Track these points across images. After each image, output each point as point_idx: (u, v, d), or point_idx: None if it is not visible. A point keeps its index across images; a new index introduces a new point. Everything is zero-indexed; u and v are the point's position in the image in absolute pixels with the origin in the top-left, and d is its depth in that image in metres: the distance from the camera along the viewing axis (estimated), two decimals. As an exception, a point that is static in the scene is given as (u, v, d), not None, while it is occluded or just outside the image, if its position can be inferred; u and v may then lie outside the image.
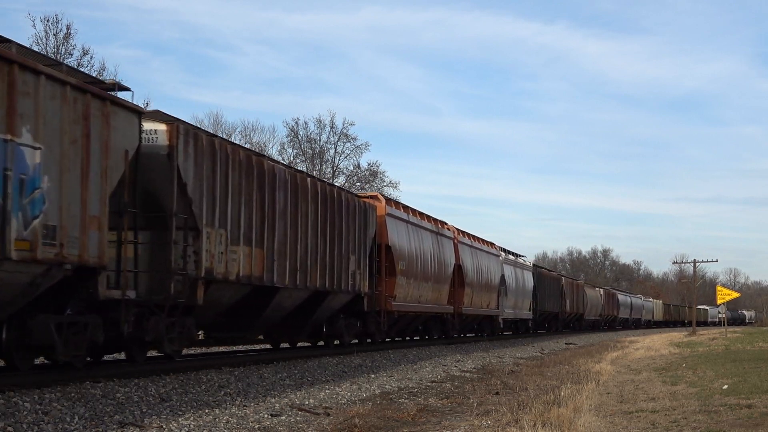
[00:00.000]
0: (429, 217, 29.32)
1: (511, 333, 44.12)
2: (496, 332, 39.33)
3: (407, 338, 30.79)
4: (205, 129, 21.88)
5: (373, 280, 22.69)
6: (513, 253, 44.42)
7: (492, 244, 38.95)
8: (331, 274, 19.50)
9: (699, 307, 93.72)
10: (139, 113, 12.85)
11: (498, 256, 38.84)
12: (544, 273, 51.90)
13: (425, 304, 27.22)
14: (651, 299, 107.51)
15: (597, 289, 72.82)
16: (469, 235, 34.86)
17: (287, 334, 20.72)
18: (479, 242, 36.23)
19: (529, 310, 45.02)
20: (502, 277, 38.76)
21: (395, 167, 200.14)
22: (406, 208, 27.07)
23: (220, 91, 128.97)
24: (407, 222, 25.87)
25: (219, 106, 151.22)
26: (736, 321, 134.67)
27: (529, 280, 45.11)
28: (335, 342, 22.07)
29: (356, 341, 23.49)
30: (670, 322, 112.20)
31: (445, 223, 31.78)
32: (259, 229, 16.06)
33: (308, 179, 18.75)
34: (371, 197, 23.96)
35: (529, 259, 48.29)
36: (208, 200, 14.31)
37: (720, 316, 62.62)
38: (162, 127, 13.62)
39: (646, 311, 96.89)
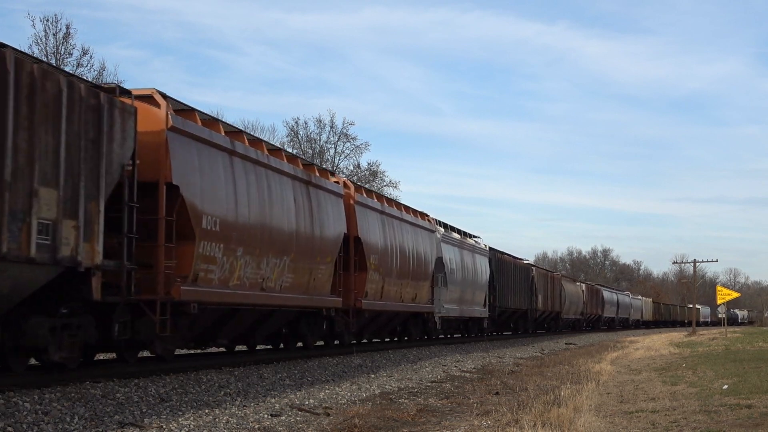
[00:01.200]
0: (296, 158, 19.51)
1: (460, 336, 34.95)
2: (430, 335, 29.58)
3: (267, 348, 20.42)
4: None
5: (129, 247, 12.33)
6: (459, 231, 33.83)
7: (424, 215, 28.37)
8: None
9: (691, 306, 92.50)
10: None
11: (433, 231, 28.60)
12: (506, 259, 41.43)
13: (278, 293, 17.10)
14: (640, 297, 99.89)
15: (578, 283, 64.75)
16: (379, 196, 24.89)
17: None
18: (399, 209, 25.74)
19: (484, 305, 35.62)
20: (440, 260, 28.99)
21: (396, 167, 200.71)
22: (238, 133, 16.37)
23: (222, 91, 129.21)
24: (231, 152, 15.28)
25: (220, 106, 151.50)
26: (729, 321, 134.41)
27: (483, 267, 35.36)
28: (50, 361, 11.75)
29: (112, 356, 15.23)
30: (660, 322, 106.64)
31: (333, 174, 22.48)
32: None
33: None
34: (142, 96, 13.39)
35: (484, 241, 38.11)
36: None
37: (720, 316, 62.50)
38: None
39: (635, 310, 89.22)
